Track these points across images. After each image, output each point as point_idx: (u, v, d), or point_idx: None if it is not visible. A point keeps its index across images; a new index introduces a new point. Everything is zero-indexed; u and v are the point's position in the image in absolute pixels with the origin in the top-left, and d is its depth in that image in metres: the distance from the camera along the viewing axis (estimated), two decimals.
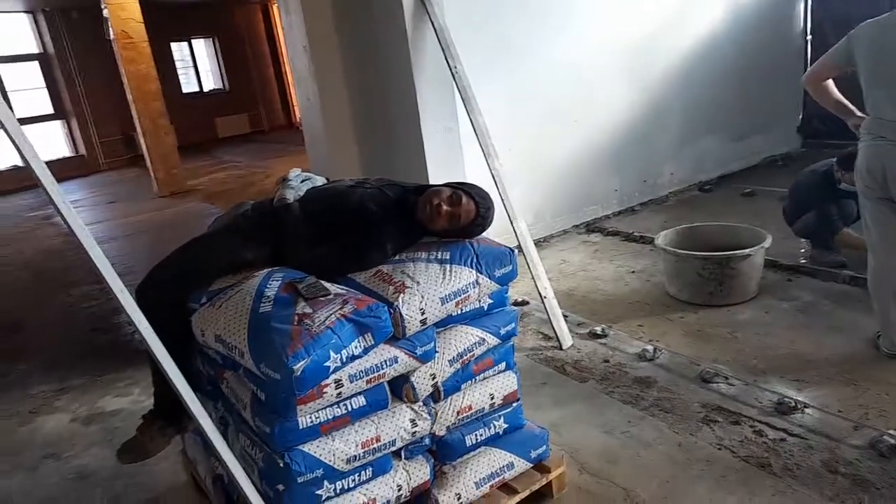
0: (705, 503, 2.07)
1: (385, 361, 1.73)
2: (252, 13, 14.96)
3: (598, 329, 3.30)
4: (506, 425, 2.07)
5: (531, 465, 2.11)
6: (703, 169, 5.64)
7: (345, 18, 3.58)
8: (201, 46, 14.74)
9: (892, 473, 2.11)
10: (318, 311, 1.62)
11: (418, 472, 1.89)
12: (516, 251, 2.07)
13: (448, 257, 1.90)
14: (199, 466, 2.25)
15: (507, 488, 2.05)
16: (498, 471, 2.02)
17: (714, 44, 5.39)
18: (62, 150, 12.60)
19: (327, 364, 1.57)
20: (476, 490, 1.97)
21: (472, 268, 1.90)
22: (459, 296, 1.85)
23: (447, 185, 2.00)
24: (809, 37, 5.97)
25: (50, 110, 12.40)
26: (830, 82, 2.74)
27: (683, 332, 3.25)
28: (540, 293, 3.24)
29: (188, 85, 14.51)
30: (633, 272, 4.07)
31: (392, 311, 1.72)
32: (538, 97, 4.53)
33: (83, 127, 12.24)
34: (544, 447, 2.13)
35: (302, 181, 2.11)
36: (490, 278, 1.93)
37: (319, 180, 2.17)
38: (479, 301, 1.96)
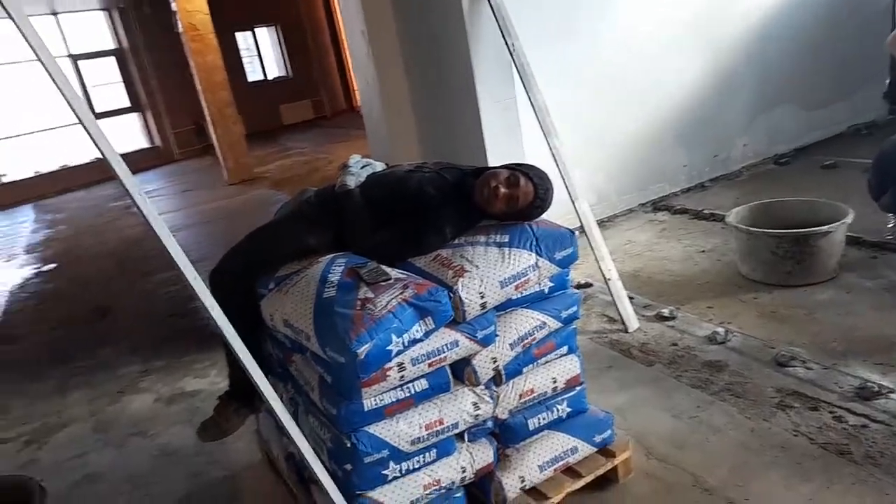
0: (779, 490, 2.00)
1: (446, 345, 1.74)
2: (313, 0, 15.16)
3: (666, 311, 3.21)
4: (569, 409, 2.06)
5: (596, 450, 2.08)
6: (779, 140, 5.35)
7: (401, 1, 3.58)
8: (264, 35, 15.08)
9: None
10: (380, 295, 1.65)
11: (482, 454, 1.91)
12: (577, 232, 2.03)
13: (507, 240, 1.89)
14: (272, 445, 2.35)
15: (571, 472, 2.04)
16: (562, 454, 2.01)
17: (789, 3, 5.07)
18: (139, 141, 13.23)
19: (390, 347, 1.59)
20: (540, 473, 1.97)
21: (531, 250, 1.88)
22: (519, 279, 1.84)
23: (505, 166, 1.98)
24: None
25: (127, 104, 13.02)
26: None
27: (757, 313, 3.11)
28: (604, 275, 3.18)
29: (253, 74, 14.90)
30: (702, 251, 3.93)
31: (452, 294, 1.72)
32: (601, 72, 4.39)
33: (157, 119, 12.80)
34: (609, 431, 2.10)
35: (362, 167, 2.13)
36: (550, 261, 1.90)
37: (379, 166, 2.19)
38: (540, 284, 1.94)
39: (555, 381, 2.01)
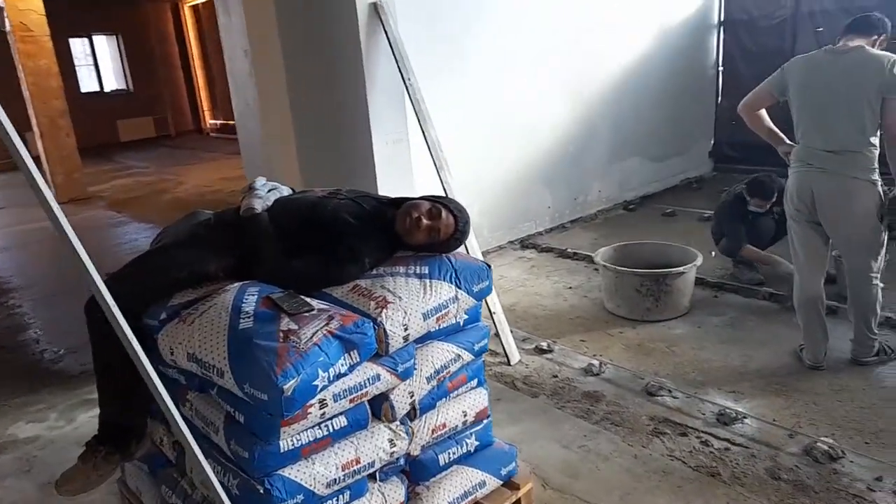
0: None
1: (368, 380, 1.66)
2: (160, 11, 14.26)
3: (544, 344, 3.36)
4: (477, 443, 2.05)
5: (501, 483, 2.09)
6: (628, 188, 5.91)
7: (290, 23, 3.47)
8: (103, 43, 13.88)
9: (827, 478, 2.27)
10: (304, 327, 1.54)
11: (393, 493, 1.83)
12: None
13: (427, 272, 1.86)
14: (143, 498, 2.07)
15: None
16: (470, 489, 1.99)
17: (641, 70, 5.70)
18: None
19: (315, 383, 1.49)
20: None
21: (451, 283, 1.87)
22: (440, 311, 1.82)
23: (424, 198, 1.97)
24: (721, 67, 6.43)
25: None
26: (763, 112, 2.94)
27: (624, 346, 3.36)
28: (489, 308, 3.26)
29: (87, 84, 13.59)
30: (570, 288, 4.18)
31: (376, 327, 1.66)
32: (481, 114, 4.60)
33: None
34: (513, 464, 2.12)
35: (269, 190, 2.00)
36: (468, 293, 1.91)
37: (286, 190, 2.08)
38: (457, 317, 1.94)
39: (465, 415, 2.00)
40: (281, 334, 1.51)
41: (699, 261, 3.56)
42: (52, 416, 2.98)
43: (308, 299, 1.66)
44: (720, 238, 4.06)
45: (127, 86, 14.28)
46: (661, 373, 3.05)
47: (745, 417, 2.64)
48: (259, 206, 1.92)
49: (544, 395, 2.93)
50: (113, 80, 14.18)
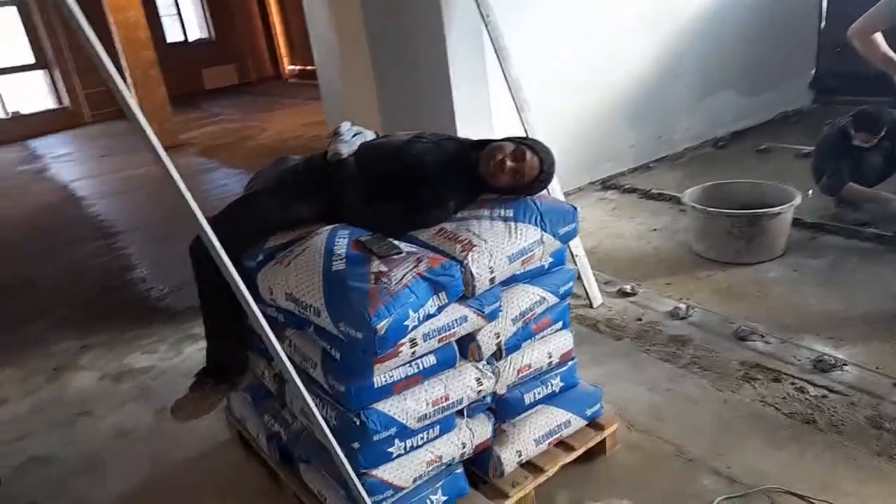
0: (758, 458, 2.10)
1: (455, 321, 1.70)
2: None
3: (627, 287, 3.30)
4: (562, 384, 2.07)
5: (586, 423, 2.11)
6: (718, 124, 5.58)
7: None
8: None
9: None
10: (394, 269, 1.58)
11: (480, 430, 1.89)
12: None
13: (512, 215, 1.85)
14: (248, 424, 2.24)
15: (564, 445, 2.06)
16: (555, 428, 2.02)
17: None
18: (45, 102, 12.17)
19: (406, 323, 1.53)
20: (535, 447, 1.97)
21: (536, 226, 1.85)
22: (525, 254, 1.82)
23: (508, 139, 1.93)
24: None
25: (31, 59, 11.93)
26: (879, 36, 2.68)
27: (712, 290, 3.25)
28: (571, 251, 3.21)
29: (172, 34, 14.01)
30: (654, 230, 4.05)
31: (462, 269, 1.68)
32: (560, 50, 4.42)
33: (66, 77, 11.80)
34: (598, 405, 2.14)
35: (354, 135, 2.03)
36: (554, 236, 1.89)
37: (370, 134, 2.10)
38: (542, 260, 1.93)
39: (550, 356, 2.02)
40: (372, 276, 1.56)
41: (797, 200, 3.35)
42: (162, 348, 3.23)
43: (396, 242, 1.69)
44: (821, 176, 3.79)
45: (209, 35, 14.62)
46: (752, 317, 2.94)
47: (844, 364, 2.52)
48: (345, 150, 1.95)
49: (628, 339, 2.89)
50: (196, 30, 14.56)
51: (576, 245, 3.24)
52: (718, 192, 3.69)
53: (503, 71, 3.13)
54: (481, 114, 3.34)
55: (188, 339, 3.27)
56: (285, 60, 14.98)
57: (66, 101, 12.00)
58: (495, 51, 3.13)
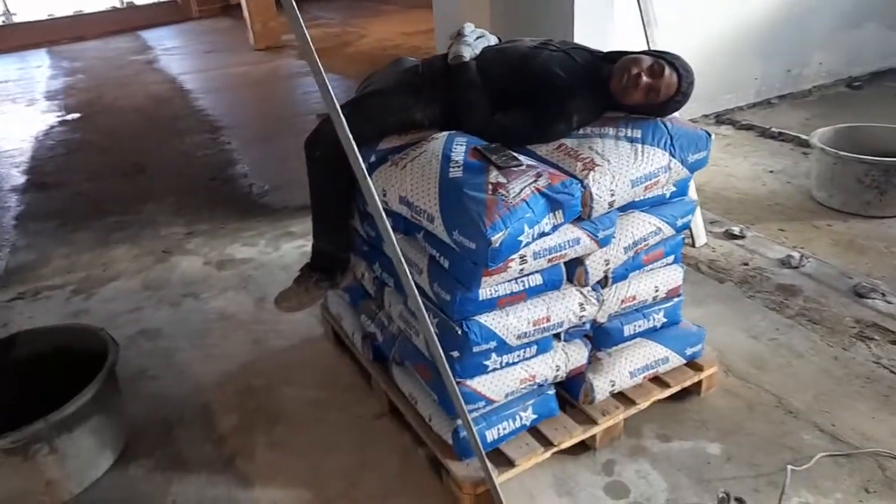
0: (867, 420, 1.98)
1: (568, 241, 1.64)
2: None
3: (736, 229, 3.11)
4: (664, 319, 1.99)
5: (685, 362, 2.04)
6: (856, 62, 5.03)
7: None
8: None
9: None
10: (513, 181, 1.52)
11: (576, 354, 1.86)
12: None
13: (639, 136, 1.74)
14: (343, 322, 2.30)
15: (659, 381, 2.01)
16: (652, 363, 1.97)
17: None
18: None
19: (520, 239, 1.49)
20: (630, 379, 1.93)
21: (665, 150, 1.73)
22: (649, 179, 1.71)
23: (646, 52, 1.78)
24: None
25: None
26: None
27: (832, 241, 3.02)
28: None
29: None
30: (770, 171, 3.77)
31: (583, 189, 1.60)
32: None
33: None
34: (700, 346, 2.05)
35: (477, 38, 1.93)
36: (682, 163, 1.77)
37: (493, 39, 1.99)
38: (665, 188, 1.81)
39: (657, 290, 1.93)
40: (490, 186, 1.50)
41: None
42: (261, 242, 3.35)
43: (516, 154, 1.62)
44: None
45: None
46: (874, 274, 2.72)
47: None
48: (468, 53, 1.86)
49: (731, 282, 2.75)
50: None
51: None
52: (853, 135, 3.36)
53: None
54: (603, 23, 3.11)
55: (286, 235, 3.38)
56: None
57: None
58: None
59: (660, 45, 2.90)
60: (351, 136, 1.81)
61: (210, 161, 4.65)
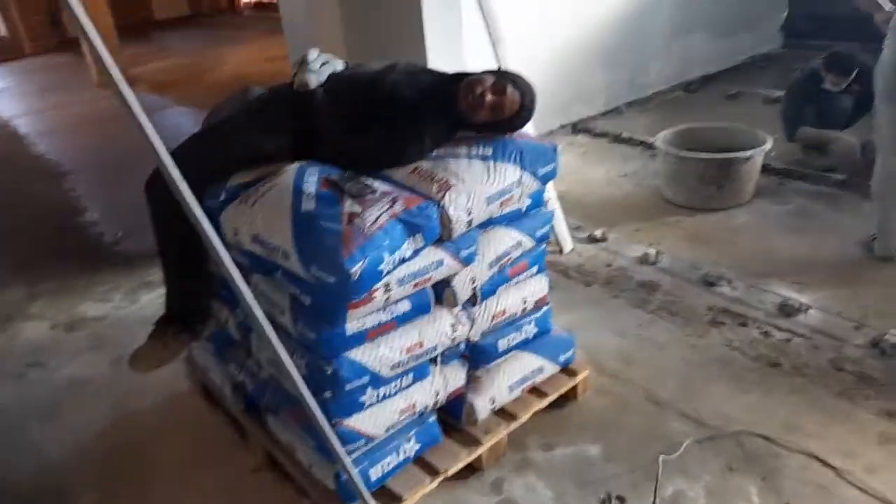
0: (725, 401, 2.13)
1: (431, 265, 1.63)
2: None
3: (597, 233, 3.27)
4: (536, 329, 2.04)
5: (559, 369, 2.10)
6: (689, 68, 5.50)
7: None
8: None
9: (895, 370, 2.20)
10: (368, 209, 1.49)
11: (454, 377, 1.85)
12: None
13: (491, 153, 1.77)
14: (210, 374, 2.15)
15: (537, 392, 2.04)
16: (529, 374, 2.00)
17: None
18: None
19: (381, 267, 1.45)
20: (509, 394, 1.95)
21: (516, 165, 1.77)
22: (504, 195, 1.74)
23: (488, 72, 1.82)
24: None
25: None
26: None
27: (682, 235, 3.25)
28: None
29: None
30: (624, 175, 4.01)
31: (439, 210, 1.59)
32: None
33: (2, 4, 10.93)
34: (571, 351, 2.12)
35: (322, 64, 1.88)
36: (534, 176, 1.82)
37: (339, 64, 1.95)
38: (520, 202, 1.86)
39: (525, 302, 1.97)
40: (345, 216, 1.46)
41: (769, 145, 3.34)
42: (116, 296, 3.08)
43: (370, 181, 1.59)
44: (786, 120, 3.79)
45: None
46: (720, 263, 2.95)
47: (808, 309, 2.56)
48: (314, 81, 1.82)
49: (598, 284, 2.88)
50: None
51: (548, 189, 3.17)
52: (691, 136, 3.66)
53: (479, 2, 2.97)
54: (453, 45, 3.18)
55: (144, 286, 3.12)
56: None
57: (3, 30, 11.16)
58: None
59: (509, 62, 3.01)
60: (195, 171, 1.70)
61: (53, 211, 4.24)
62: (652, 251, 3.05)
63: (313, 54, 1.89)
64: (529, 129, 2.97)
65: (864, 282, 2.72)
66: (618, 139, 4.55)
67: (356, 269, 1.38)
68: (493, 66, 2.97)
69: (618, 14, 4.81)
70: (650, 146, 4.24)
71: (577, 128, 4.85)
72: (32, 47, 11.08)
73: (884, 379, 2.18)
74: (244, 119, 1.81)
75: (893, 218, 2.77)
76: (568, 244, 3.20)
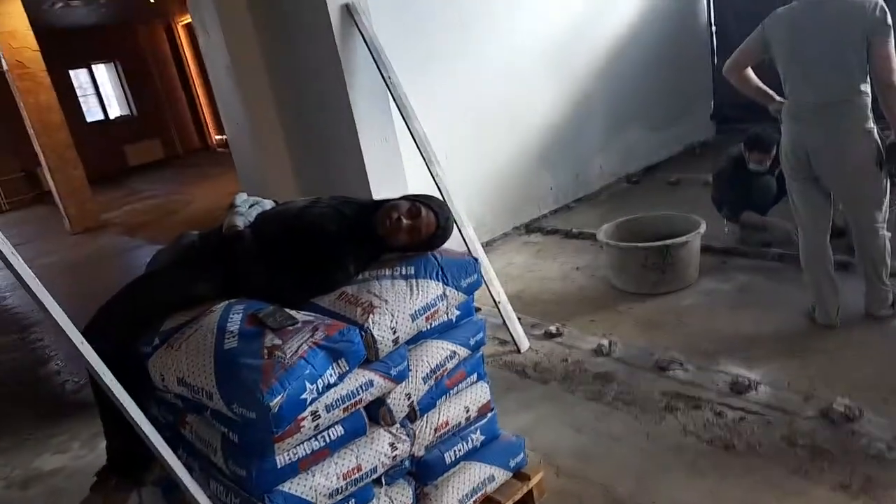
0: (682, 489, 2.12)
1: (360, 387, 1.67)
2: (155, 33, 14.35)
3: (553, 328, 3.33)
4: (482, 437, 2.05)
5: (511, 475, 2.09)
6: (629, 161, 5.82)
7: (269, 35, 3.48)
8: (103, 72, 14.03)
9: (845, 440, 2.22)
10: (288, 341, 1.55)
11: (401, 497, 1.84)
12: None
13: (413, 272, 1.86)
14: None
15: (490, 501, 2.02)
16: (479, 485, 1.99)
17: (631, 37, 5.58)
18: None
19: (304, 396, 1.49)
20: None
21: (438, 280, 1.86)
22: (429, 310, 1.82)
23: (404, 197, 1.96)
24: (714, 28, 6.30)
25: None
26: (750, 70, 2.87)
27: (634, 322, 3.33)
28: (494, 298, 3.24)
29: (92, 113, 13.77)
30: (577, 268, 4.14)
31: (364, 333, 1.66)
32: (470, 103, 4.55)
33: None
34: (522, 455, 2.12)
35: (250, 206, 2.01)
36: (457, 289, 1.90)
37: (268, 204, 2.09)
38: (448, 314, 1.93)
39: (468, 411, 2.00)
40: (266, 351, 1.52)
41: (702, 228, 3.50)
42: (75, 446, 3.04)
43: (293, 312, 1.66)
44: (721, 206, 3.99)
45: (131, 111, 14.42)
46: (672, 346, 3.01)
47: (759, 384, 2.59)
48: (241, 222, 1.93)
49: (555, 381, 2.91)
50: (117, 107, 14.34)
51: (498, 292, 3.28)
52: (631, 226, 3.83)
53: (409, 128, 3.20)
54: (394, 172, 3.39)
55: (102, 433, 3.08)
56: (212, 130, 14.88)
57: None
58: (399, 110, 3.21)
59: (444, 180, 3.19)
60: (128, 319, 1.78)
61: (18, 364, 4.24)
62: (606, 342, 3.10)
63: (241, 198, 2.03)
64: (471, 236, 3.13)
65: (810, 351, 2.79)
66: (569, 235, 4.73)
67: (276, 401, 1.42)
68: (432, 185, 3.17)
69: (554, 120, 5.15)
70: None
71: (530, 227, 5.05)
72: (8, 203, 11.42)
73: (835, 450, 2.19)
74: (176, 265, 1.91)
75: (825, 287, 2.88)
76: (524, 343, 3.25)
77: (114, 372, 1.78)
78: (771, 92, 2.87)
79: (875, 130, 2.63)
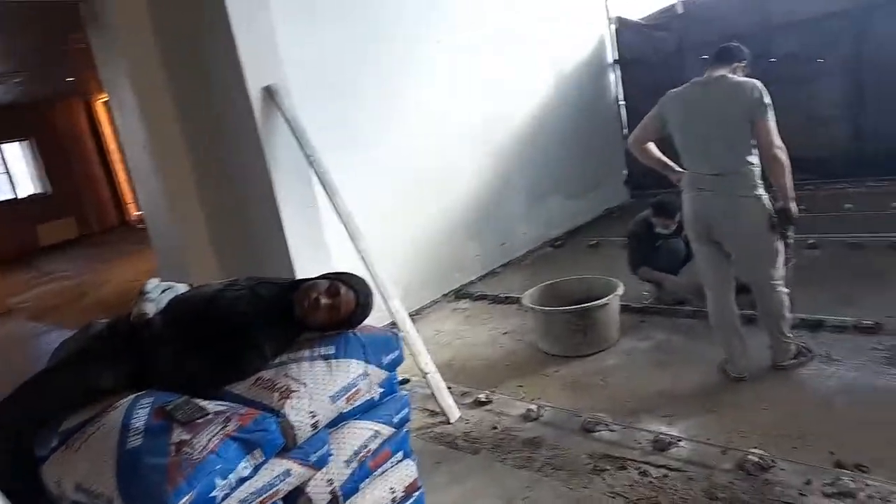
0: None
1: (278, 476, 1.62)
2: (72, 110, 14.01)
3: (483, 396, 3.33)
4: None
5: None
6: (552, 225, 6.05)
7: (188, 113, 3.48)
8: (15, 150, 13.51)
9: (761, 489, 2.30)
10: (198, 434, 1.49)
11: None
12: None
13: (333, 352, 1.85)
14: None
15: None
16: None
17: (548, 110, 5.93)
18: None
19: (214, 494, 1.43)
20: None
21: (359, 359, 1.86)
22: (349, 390, 1.80)
23: (323, 276, 1.96)
24: (623, 102, 6.76)
25: None
26: (651, 144, 3.09)
27: (561, 385, 3.38)
28: (422, 369, 3.23)
29: (1, 192, 13.14)
30: (505, 333, 4.20)
31: (280, 419, 1.62)
32: (396, 175, 4.63)
33: None
34: None
35: (162, 291, 1.96)
36: (378, 366, 1.90)
37: (182, 288, 2.04)
38: (370, 392, 1.92)
39: (393, 492, 1.96)
40: (173, 447, 1.46)
41: (620, 290, 3.65)
42: None
43: (204, 403, 1.61)
44: (633, 265, 4.18)
45: (45, 189, 13.86)
46: (597, 407, 3.07)
47: (679, 440, 2.67)
48: (151, 310, 1.88)
49: (485, 450, 2.89)
50: (29, 185, 13.76)
51: (426, 363, 3.27)
52: (552, 290, 3.94)
53: (332, 204, 3.23)
54: (316, 247, 3.39)
55: None
56: (131, 206, 14.45)
57: None
58: (322, 186, 3.25)
59: (369, 254, 3.21)
60: (23, 421, 1.67)
61: None
62: (534, 406, 3.13)
63: (152, 284, 1.98)
64: (398, 307, 3.13)
65: (724, 405, 2.90)
66: (496, 300, 4.80)
67: (183, 501, 1.36)
68: (356, 259, 3.19)
69: (478, 191, 5.32)
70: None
71: (459, 293, 5.10)
72: None
73: (753, 501, 2.26)
74: (79, 357, 1.82)
75: (734, 343, 3.04)
76: (455, 413, 3.23)
77: (13, 469, 1.67)
78: (671, 163, 3.09)
79: (765, 197, 2.86)
